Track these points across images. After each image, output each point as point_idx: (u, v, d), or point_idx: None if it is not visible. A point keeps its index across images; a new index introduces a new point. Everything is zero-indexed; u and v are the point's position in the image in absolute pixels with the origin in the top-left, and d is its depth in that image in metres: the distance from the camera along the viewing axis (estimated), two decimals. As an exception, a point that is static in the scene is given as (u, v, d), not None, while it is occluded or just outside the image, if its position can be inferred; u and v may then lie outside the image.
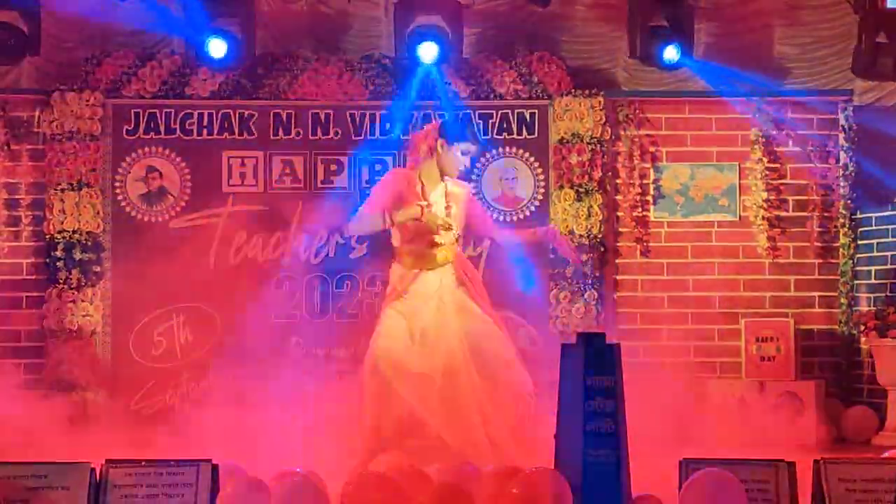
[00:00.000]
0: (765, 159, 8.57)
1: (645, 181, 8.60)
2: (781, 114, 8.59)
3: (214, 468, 4.29)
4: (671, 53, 8.28)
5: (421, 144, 6.41)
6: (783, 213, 8.61)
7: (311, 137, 8.47)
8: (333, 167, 8.43)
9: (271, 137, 8.43)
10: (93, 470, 4.26)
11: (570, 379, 4.57)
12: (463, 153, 6.37)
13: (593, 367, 4.49)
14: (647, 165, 8.62)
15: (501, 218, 8.49)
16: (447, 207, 6.33)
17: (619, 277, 8.58)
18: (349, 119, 8.50)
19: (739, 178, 8.61)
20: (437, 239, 6.28)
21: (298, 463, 4.63)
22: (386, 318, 6.21)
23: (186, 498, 4.22)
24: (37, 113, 8.36)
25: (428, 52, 8.13)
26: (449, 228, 6.27)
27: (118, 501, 4.24)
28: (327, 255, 8.40)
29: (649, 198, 8.60)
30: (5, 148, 8.34)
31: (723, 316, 8.46)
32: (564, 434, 4.55)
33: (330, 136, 8.47)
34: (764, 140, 8.58)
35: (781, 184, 8.61)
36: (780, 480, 4.46)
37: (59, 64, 8.42)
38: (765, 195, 8.57)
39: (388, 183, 6.43)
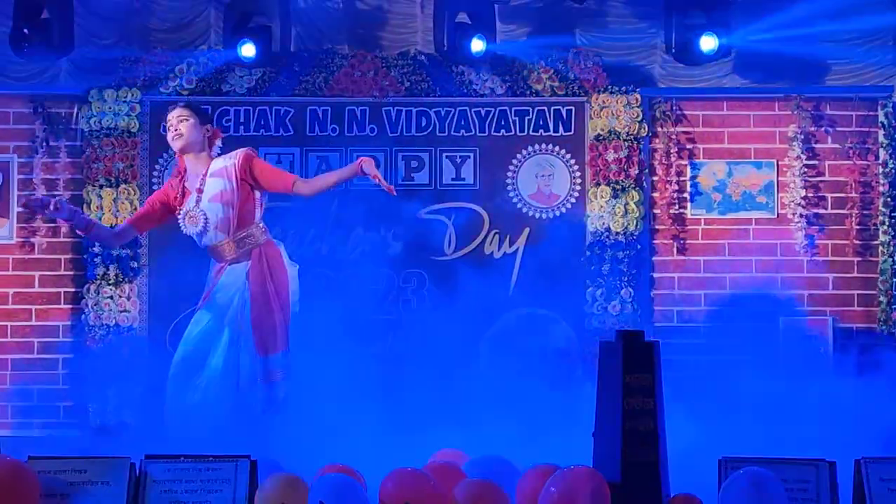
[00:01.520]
0: (803, 156, 8.52)
1: (682, 178, 8.57)
2: (820, 110, 8.54)
3: (253, 464, 4.30)
4: (709, 44, 8.21)
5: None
6: (822, 211, 8.56)
7: (347, 134, 8.49)
8: (370, 163, 8.42)
9: (307, 134, 8.46)
10: (132, 465, 4.28)
11: (609, 377, 4.55)
12: (177, 120, 5.99)
13: (632, 365, 4.47)
14: (684, 162, 8.59)
15: (537, 215, 8.49)
16: (199, 191, 5.97)
17: (655, 275, 8.55)
18: (385, 115, 8.51)
19: (777, 175, 8.57)
20: (185, 230, 6.01)
21: (335, 458, 4.63)
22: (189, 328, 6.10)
23: (225, 493, 4.23)
24: (75, 110, 8.42)
25: (477, 46, 8.14)
26: (192, 218, 5.99)
27: (157, 496, 4.25)
28: (363, 252, 8.42)
29: (686, 195, 8.57)
30: (44, 145, 8.40)
31: (760, 314, 8.41)
32: (603, 432, 4.54)
33: (366, 133, 8.49)
34: (802, 137, 8.52)
35: (820, 181, 8.56)
36: (821, 480, 4.43)
37: (97, 61, 8.47)
38: (803, 192, 8.52)
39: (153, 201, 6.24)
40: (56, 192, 8.39)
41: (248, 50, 8.13)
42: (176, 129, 6.00)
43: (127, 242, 8.19)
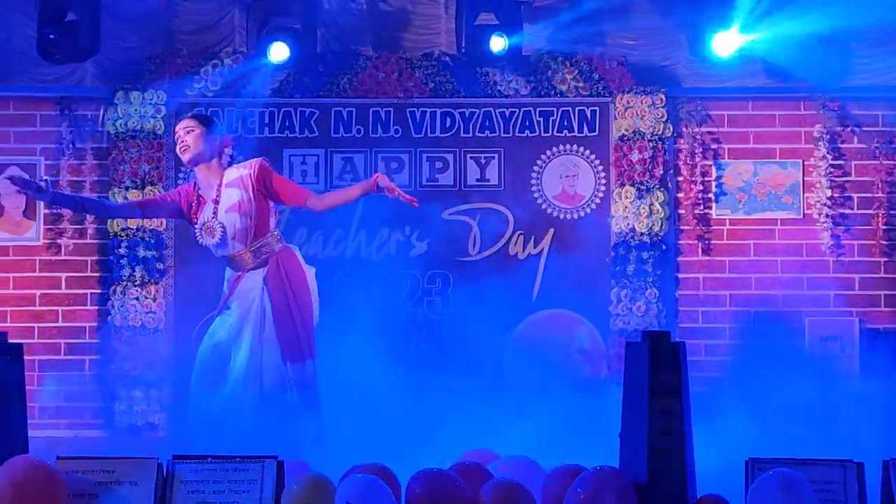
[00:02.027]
0: (829, 156, 8.49)
1: (707, 178, 8.54)
2: (846, 110, 8.50)
3: (280, 464, 4.31)
4: (731, 43, 8.17)
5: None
6: (848, 211, 8.52)
7: (371, 135, 8.50)
8: (394, 164, 8.45)
9: (332, 135, 8.48)
10: (160, 465, 4.30)
11: (635, 378, 4.54)
12: (187, 130, 5.96)
13: (658, 366, 4.46)
14: (709, 162, 8.57)
15: (562, 216, 8.49)
16: (215, 202, 5.96)
17: (680, 275, 8.53)
18: (409, 117, 8.52)
19: (803, 176, 8.53)
20: (202, 241, 5.99)
21: (363, 459, 4.64)
22: (207, 335, 6.06)
23: (252, 494, 4.24)
24: (101, 112, 8.46)
25: (497, 43, 8.15)
26: (209, 230, 6.07)
27: (185, 497, 4.26)
28: (388, 252, 8.43)
29: (711, 195, 8.54)
30: (70, 147, 8.45)
31: (786, 315, 8.38)
32: (629, 433, 4.53)
33: (391, 134, 8.50)
34: (828, 137, 8.49)
35: (846, 181, 8.52)
36: (848, 480, 4.41)
37: (123, 63, 8.51)
38: (829, 192, 8.48)
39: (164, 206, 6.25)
40: (83, 194, 8.42)
41: (278, 53, 8.15)
42: (183, 142, 5.99)
43: (150, 245, 8.30)
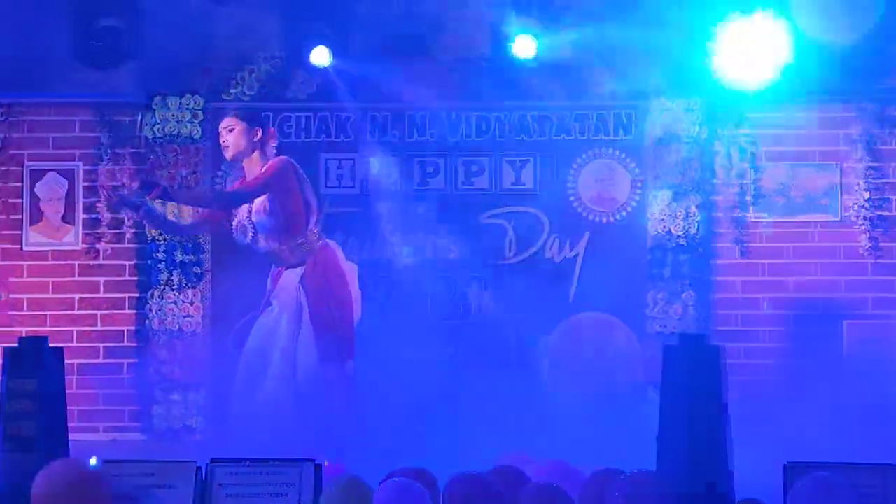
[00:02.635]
0: (867, 158, 8.43)
1: (744, 181, 8.49)
2: (884, 112, 8.43)
3: (317, 468, 4.33)
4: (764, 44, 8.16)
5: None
6: (886, 213, 8.45)
7: (407, 139, 8.51)
8: (430, 169, 8.46)
9: (368, 139, 8.49)
10: (198, 469, 4.32)
11: (673, 381, 4.54)
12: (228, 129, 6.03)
13: (696, 369, 4.46)
14: (746, 165, 8.52)
15: (598, 219, 8.47)
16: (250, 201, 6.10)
17: (717, 278, 8.48)
18: (445, 120, 8.53)
19: (841, 178, 8.48)
20: (238, 240, 6.07)
21: (400, 462, 4.65)
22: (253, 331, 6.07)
23: (290, 498, 4.27)
24: (139, 118, 8.51)
25: (525, 47, 8.16)
26: (242, 229, 6.00)
27: (223, 500, 4.29)
28: (424, 256, 8.44)
29: (748, 198, 8.49)
30: (108, 152, 8.50)
31: (824, 318, 8.33)
32: (667, 436, 4.52)
33: (426, 138, 8.51)
34: (866, 139, 8.43)
35: (884, 182, 8.45)
36: (888, 485, 4.39)
37: (160, 68, 8.55)
38: (867, 194, 8.42)
39: None
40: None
41: (319, 57, 8.18)
42: (224, 140, 6.07)
43: (187, 250, 8.35)
